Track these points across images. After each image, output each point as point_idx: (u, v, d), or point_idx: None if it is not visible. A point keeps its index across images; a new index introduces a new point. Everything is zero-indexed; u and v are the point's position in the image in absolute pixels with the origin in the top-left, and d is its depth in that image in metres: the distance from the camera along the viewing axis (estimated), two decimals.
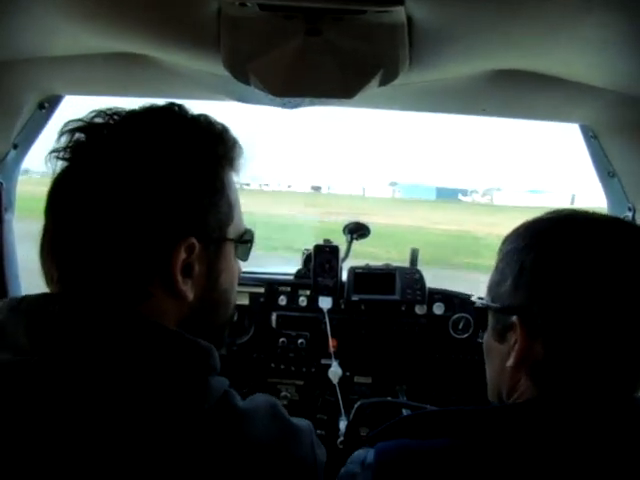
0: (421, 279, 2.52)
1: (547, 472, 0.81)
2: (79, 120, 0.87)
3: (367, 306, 2.52)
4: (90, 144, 0.85)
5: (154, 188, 0.82)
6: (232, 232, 0.95)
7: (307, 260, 2.62)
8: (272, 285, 2.59)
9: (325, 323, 2.48)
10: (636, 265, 0.86)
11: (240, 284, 2.59)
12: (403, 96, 1.73)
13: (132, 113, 0.89)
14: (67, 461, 0.72)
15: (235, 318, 2.56)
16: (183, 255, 0.85)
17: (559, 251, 0.89)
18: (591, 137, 1.87)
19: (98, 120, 0.87)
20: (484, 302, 1.03)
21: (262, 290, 2.58)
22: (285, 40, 1.17)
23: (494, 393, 1.05)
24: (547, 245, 0.91)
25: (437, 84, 1.55)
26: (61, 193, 0.85)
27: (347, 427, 2.27)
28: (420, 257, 2.65)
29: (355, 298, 2.50)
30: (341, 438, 2.25)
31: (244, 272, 2.80)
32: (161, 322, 0.84)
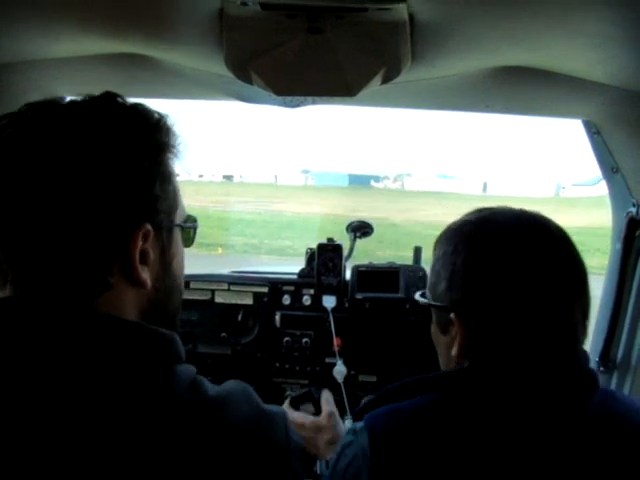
0: (425, 277, 2.51)
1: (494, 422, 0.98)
2: (11, 114, 0.85)
3: (371, 304, 2.52)
4: (27, 137, 0.83)
5: (106, 176, 0.82)
6: (179, 218, 0.97)
7: (310, 259, 2.61)
8: (276, 285, 2.59)
9: (329, 322, 2.47)
10: (541, 262, 1.02)
11: (244, 284, 2.63)
12: (406, 94, 1.73)
13: (71, 103, 0.89)
14: (37, 464, 0.72)
15: (239, 318, 2.57)
16: (140, 242, 0.86)
17: (482, 253, 1.05)
18: (594, 133, 1.86)
19: (31, 113, 0.85)
20: (426, 300, 1.17)
21: (266, 290, 2.58)
22: (287, 39, 1.17)
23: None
24: (472, 248, 1.06)
25: (440, 81, 1.55)
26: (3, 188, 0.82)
27: None
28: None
29: (359, 296, 2.49)
30: None
31: (247, 272, 2.80)
32: (122, 313, 0.85)
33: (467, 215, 1.15)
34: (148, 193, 0.87)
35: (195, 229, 1.06)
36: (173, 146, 0.94)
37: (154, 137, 0.91)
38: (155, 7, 1.13)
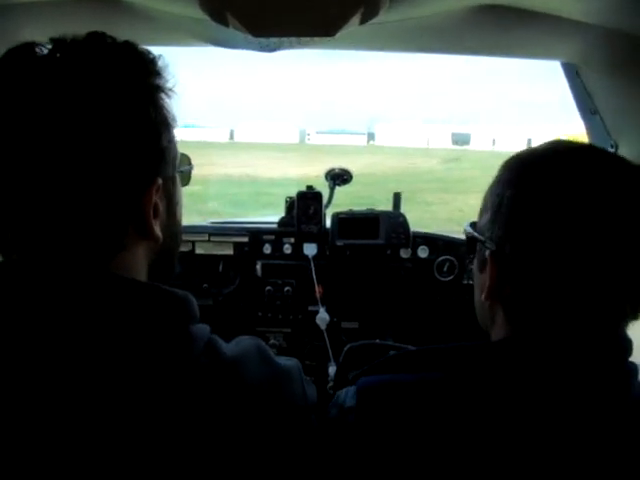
0: (405, 223, 2.53)
1: (519, 407, 0.82)
2: None
3: (352, 251, 2.53)
4: (27, 89, 0.75)
5: (115, 129, 0.76)
6: (179, 163, 0.94)
7: (290, 207, 2.61)
8: (256, 234, 2.59)
9: (311, 270, 2.49)
10: (613, 205, 0.81)
11: (224, 234, 2.63)
12: (384, 35, 1.71)
13: (58, 50, 0.79)
14: (47, 431, 0.70)
15: (220, 268, 2.58)
16: (153, 198, 0.83)
17: (536, 190, 0.85)
18: (573, 75, 1.86)
19: (18, 63, 0.78)
20: (470, 230, 0.99)
21: (246, 239, 2.58)
22: None
23: (480, 321, 1.05)
24: (526, 181, 0.87)
25: (418, 22, 1.53)
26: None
27: (336, 371, 2.30)
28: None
29: (340, 244, 2.51)
30: (331, 383, 2.28)
31: (227, 222, 2.79)
32: (135, 272, 0.83)
33: (548, 142, 0.94)
34: (157, 146, 0.83)
35: (191, 168, 1.04)
36: (170, 89, 0.87)
37: (154, 81, 0.84)
38: None
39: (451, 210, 17.86)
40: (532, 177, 0.87)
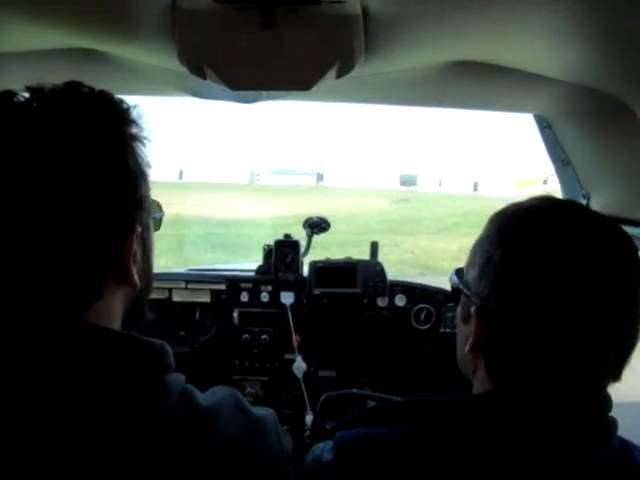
0: (382, 271, 2.54)
1: (500, 462, 0.82)
2: None
3: (329, 300, 2.53)
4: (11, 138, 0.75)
5: (95, 179, 0.76)
6: (152, 209, 0.94)
7: (268, 255, 2.62)
8: (233, 281, 2.59)
9: (288, 318, 2.48)
10: (599, 266, 0.82)
11: (201, 281, 2.61)
12: (360, 88, 1.74)
13: (34, 100, 0.79)
14: None
15: (197, 316, 2.56)
16: (134, 245, 0.83)
17: (524, 252, 0.85)
18: (545, 127, 1.90)
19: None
20: (456, 281, 0.99)
21: (223, 287, 2.57)
22: (241, 33, 1.16)
23: (462, 369, 1.03)
24: (514, 242, 0.87)
25: (394, 76, 1.56)
26: None
27: (313, 421, 2.28)
28: None
29: (317, 292, 2.51)
30: (307, 432, 2.26)
31: (204, 269, 2.79)
32: (110, 319, 0.83)
33: (532, 198, 0.95)
34: (136, 194, 0.83)
35: (163, 213, 1.05)
36: (146, 137, 0.88)
37: (129, 130, 0.85)
38: (107, 0, 1.11)
39: (402, 252, 17.64)
40: (519, 238, 0.87)
